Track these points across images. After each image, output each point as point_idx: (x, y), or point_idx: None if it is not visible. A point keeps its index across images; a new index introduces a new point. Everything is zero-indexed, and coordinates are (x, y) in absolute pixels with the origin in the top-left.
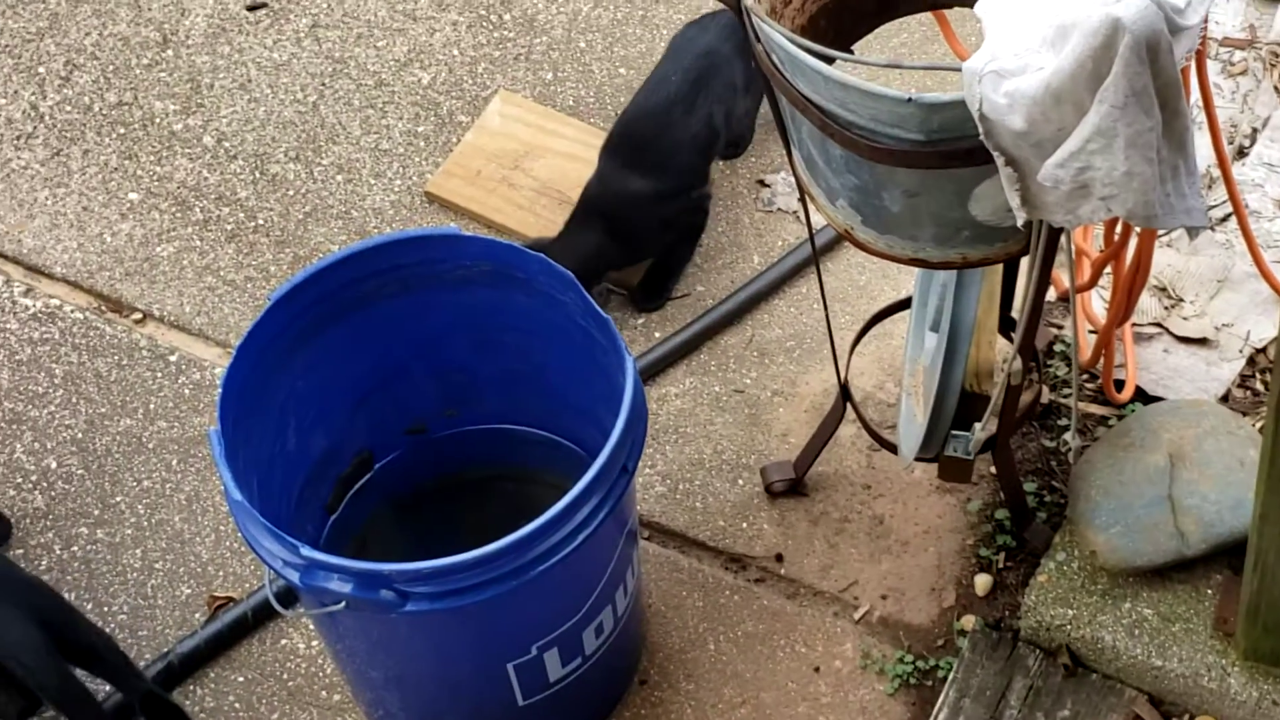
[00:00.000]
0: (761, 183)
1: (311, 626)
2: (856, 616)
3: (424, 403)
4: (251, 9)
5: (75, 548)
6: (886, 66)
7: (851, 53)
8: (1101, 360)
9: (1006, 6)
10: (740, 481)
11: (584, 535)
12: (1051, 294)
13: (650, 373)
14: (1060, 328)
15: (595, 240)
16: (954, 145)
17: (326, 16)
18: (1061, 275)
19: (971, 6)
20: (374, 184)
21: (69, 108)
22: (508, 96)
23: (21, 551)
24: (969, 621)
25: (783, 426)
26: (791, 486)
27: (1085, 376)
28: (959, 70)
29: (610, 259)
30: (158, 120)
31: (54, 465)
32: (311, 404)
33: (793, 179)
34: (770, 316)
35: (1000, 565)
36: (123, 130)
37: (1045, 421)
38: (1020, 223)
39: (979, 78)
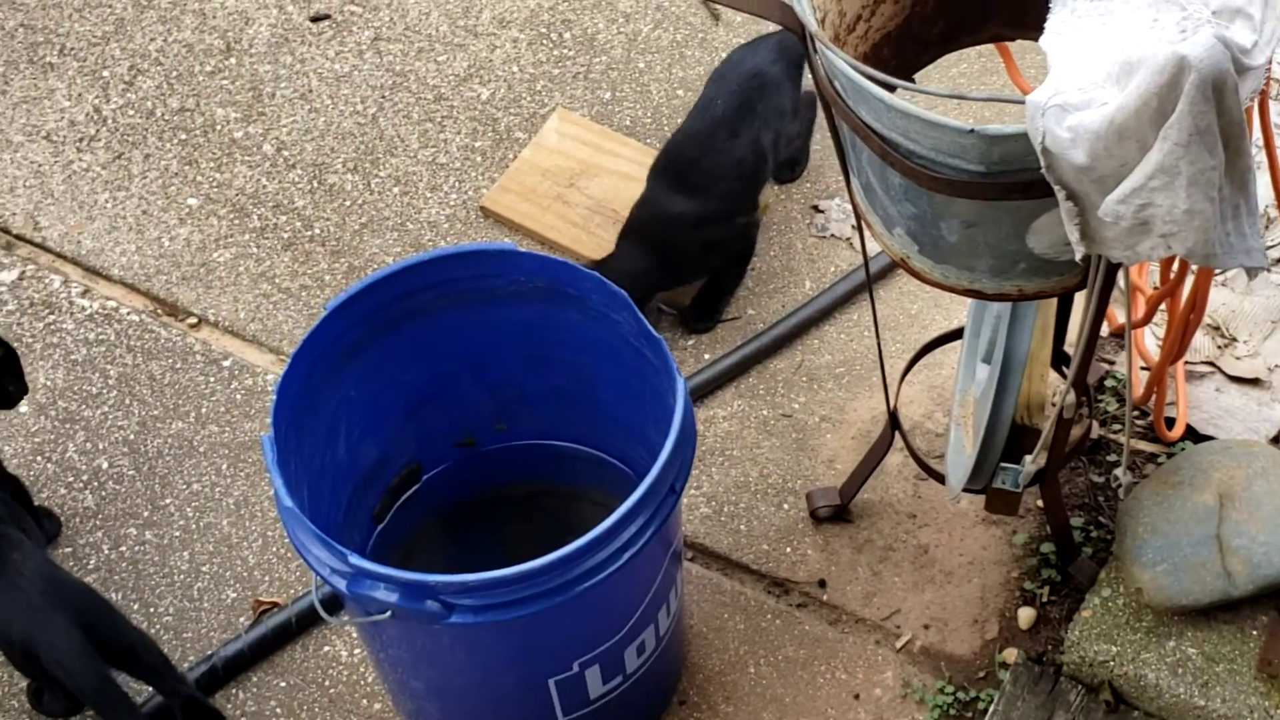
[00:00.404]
0: (816, 208)
1: (354, 634)
2: (898, 645)
3: (474, 416)
4: (315, 20)
5: (124, 548)
6: (949, 97)
7: (914, 81)
8: (1153, 397)
9: (1072, 41)
10: (785, 506)
11: (629, 554)
12: (1104, 329)
13: (699, 394)
14: (1112, 363)
15: (640, 261)
16: (1014, 177)
17: (389, 30)
18: (1116, 311)
19: (1035, 39)
20: (430, 197)
21: (132, 112)
22: (565, 114)
23: (70, 550)
24: (1011, 654)
25: (830, 452)
26: (837, 513)
27: (1136, 413)
28: (1022, 103)
29: (655, 280)
30: (219, 127)
31: (105, 465)
32: (363, 413)
33: (847, 205)
34: (820, 342)
35: (1044, 599)
36: (184, 136)
37: (1094, 457)
38: (1079, 257)
39: (1042, 111)
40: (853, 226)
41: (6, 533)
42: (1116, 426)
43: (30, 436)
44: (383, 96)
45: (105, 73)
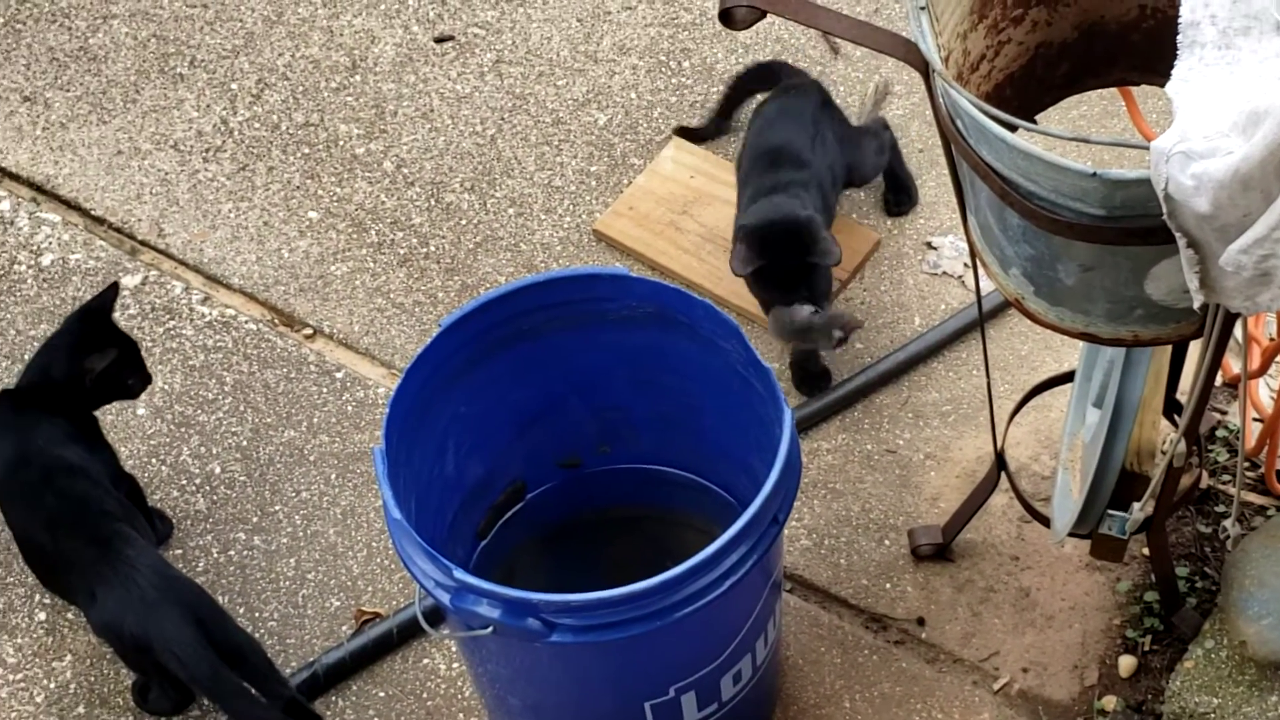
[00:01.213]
0: (929, 245)
1: (453, 649)
2: (996, 687)
3: (579, 437)
4: (439, 41)
5: (232, 552)
6: (1072, 139)
7: (1035, 123)
8: (1265, 450)
9: (1199, 88)
10: (886, 542)
11: (730, 582)
12: (1218, 379)
13: (804, 426)
14: (1224, 413)
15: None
16: (1135, 223)
17: (510, 53)
18: (1231, 361)
19: (1160, 84)
20: (544, 219)
21: (257, 125)
22: (681, 143)
23: (180, 552)
24: (1110, 702)
25: (933, 490)
26: (938, 551)
27: (1247, 465)
28: (1145, 148)
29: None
30: (341, 143)
31: (218, 470)
32: (472, 430)
33: (960, 243)
34: (928, 379)
35: (1146, 648)
36: (307, 150)
37: (1202, 507)
38: (1197, 305)
39: (1166, 157)
40: (964, 264)
41: (121, 530)
42: (1226, 477)
43: (147, 439)
44: (502, 118)
45: (233, 85)
